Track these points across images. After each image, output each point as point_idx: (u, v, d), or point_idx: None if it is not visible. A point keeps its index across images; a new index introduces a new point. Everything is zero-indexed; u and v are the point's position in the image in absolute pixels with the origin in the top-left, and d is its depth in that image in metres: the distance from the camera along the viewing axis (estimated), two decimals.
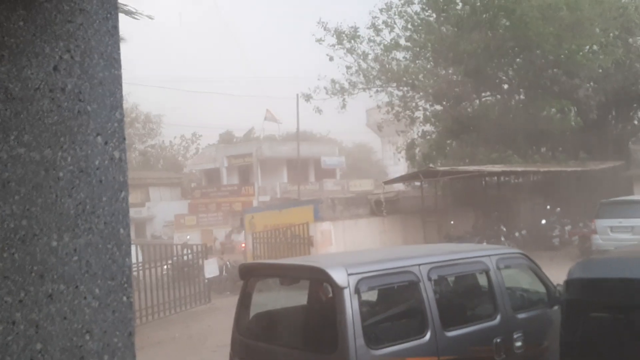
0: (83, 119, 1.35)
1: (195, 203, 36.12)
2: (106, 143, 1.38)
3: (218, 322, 10.60)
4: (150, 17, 9.69)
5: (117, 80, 1.43)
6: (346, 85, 23.73)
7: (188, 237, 26.15)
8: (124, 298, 1.36)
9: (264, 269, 5.71)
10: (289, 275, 5.23)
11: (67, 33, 1.36)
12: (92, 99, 1.38)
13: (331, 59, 23.62)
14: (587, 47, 20.02)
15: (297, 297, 6.00)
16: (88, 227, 1.32)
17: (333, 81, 23.73)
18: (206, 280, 14.12)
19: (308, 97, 24.22)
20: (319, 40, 23.48)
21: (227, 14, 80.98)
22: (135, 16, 9.40)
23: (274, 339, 5.15)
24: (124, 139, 1.42)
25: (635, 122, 24.78)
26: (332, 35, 23.38)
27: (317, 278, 4.88)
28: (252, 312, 5.32)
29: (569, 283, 4.07)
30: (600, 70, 20.38)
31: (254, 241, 17.53)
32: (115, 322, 1.34)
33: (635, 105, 22.77)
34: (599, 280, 3.95)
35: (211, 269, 14.26)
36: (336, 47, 23.47)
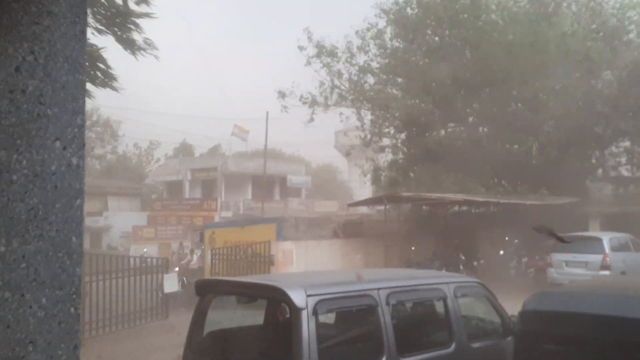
0: (42, 123, 1.32)
1: (155, 215, 35.47)
2: (64, 148, 1.35)
3: (170, 339, 10.36)
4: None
5: (80, 85, 1.40)
6: (319, 99, 24.08)
7: (145, 249, 25.55)
8: (72, 309, 1.32)
9: (221, 285, 5.60)
10: (246, 293, 5.16)
11: (32, 35, 1.33)
12: (54, 103, 1.34)
13: (308, 62, 24.10)
14: (551, 86, 20.66)
15: (253, 316, 5.91)
16: (39, 234, 1.28)
17: (306, 95, 24.06)
18: (161, 295, 13.80)
19: (282, 95, 24.37)
20: (301, 48, 24.00)
21: (198, 32, 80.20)
22: (144, 53, 9.42)
23: (227, 358, 5.05)
24: (84, 145, 1.39)
25: (593, 161, 25.59)
26: (314, 46, 23.92)
27: (275, 298, 4.82)
28: (207, 329, 5.21)
29: (523, 314, 4.13)
30: (562, 110, 21.04)
31: (213, 257, 17.29)
32: (60, 334, 1.30)
33: (593, 144, 23.53)
34: (553, 313, 4.01)
35: (171, 283, 13.95)
36: (314, 59, 23.92)
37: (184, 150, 47.53)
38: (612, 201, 24.51)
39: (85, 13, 1.44)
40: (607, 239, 16.03)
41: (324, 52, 23.92)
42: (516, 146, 21.39)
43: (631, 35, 22.79)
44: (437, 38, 22.33)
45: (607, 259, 15.24)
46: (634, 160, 24.75)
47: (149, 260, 15.37)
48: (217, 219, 32.42)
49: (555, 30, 19.75)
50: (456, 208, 23.00)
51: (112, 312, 12.13)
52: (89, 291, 11.35)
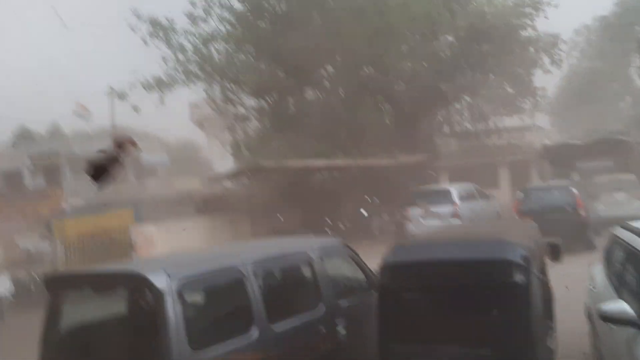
0: None
1: None
2: None
3: (11, 344, 9.40)
4: None
5: None
6: (164, 79, 22.53)
7: None
8: None
9: (74, 278, 5.16)
10: (103, 283, 4.81)
11: None
12: None
13: (146, 43, 22.26)
14: (396, 48, 21.57)
15: (115, 307, 5.54)
16: None
17: (150, 78, 22.38)
18: None
19: (123, 96, 22.53)
20: (133, 28, 22.09)
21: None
22: None
23: (88, 355, 4.70)
24: None
25: (440, 119, 27.52)
26: (147, 24, 22.19)
27: (135, 284, 4.54)
28: (63, 327, 4.79)
29: (382, 268, 4.34)
30: (409, 71, 22.15)
31: (66, 250, 16.03)
32: None
33: (439, 102, 25.22)
34: (408, 263, 4.27)
35: (2, 284, 12.97)
36: (151, 38, 22.27)
37: (23, 135, 42.91)
38: (457, 155, 26.71)
39: None
40: (455, 189, 17.32)
41: (160, 28, 22.22)
42: (370, 109, 22.16)
43: None
44: (282, 3, 22.08)
45: (457, 208, 16.51)
46: (475, 116, 27.04)
47: None
48: (66, 207, 29.97)
49: None
50: (318, 175, 23.48)
51: None
52: None
